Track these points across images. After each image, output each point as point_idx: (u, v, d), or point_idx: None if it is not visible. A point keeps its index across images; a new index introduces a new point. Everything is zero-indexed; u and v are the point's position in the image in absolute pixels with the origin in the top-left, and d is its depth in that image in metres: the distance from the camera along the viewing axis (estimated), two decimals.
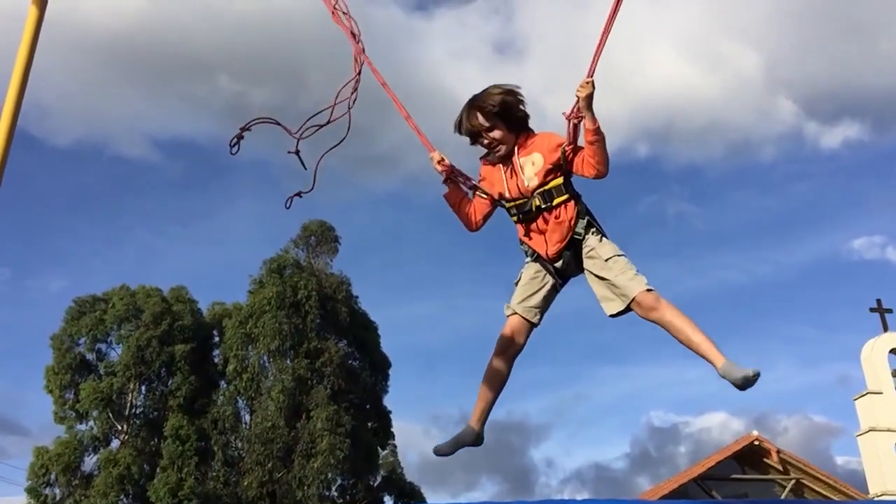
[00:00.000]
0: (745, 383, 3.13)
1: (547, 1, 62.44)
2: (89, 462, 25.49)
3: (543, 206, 3.56)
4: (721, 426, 50.00)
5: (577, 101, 3.39)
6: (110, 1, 45.06)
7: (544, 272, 3.64)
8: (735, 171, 57.57)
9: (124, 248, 47.51)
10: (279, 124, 3.75)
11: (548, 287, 3.64)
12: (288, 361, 25.78)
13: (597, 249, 3.54)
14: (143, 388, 26.73)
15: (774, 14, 55.28)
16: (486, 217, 3.77)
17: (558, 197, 3.55)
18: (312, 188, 3.81)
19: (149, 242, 46.72)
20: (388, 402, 28.32)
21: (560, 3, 62.60)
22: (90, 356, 26.88)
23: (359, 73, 3.75)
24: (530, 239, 3.64)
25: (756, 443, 19.32)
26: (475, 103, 3.59)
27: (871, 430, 17.92)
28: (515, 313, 3.65)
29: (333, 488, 25.27)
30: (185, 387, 25.74)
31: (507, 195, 3.64)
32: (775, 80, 55.50)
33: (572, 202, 3.57)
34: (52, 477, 24.90)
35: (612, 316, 3.50)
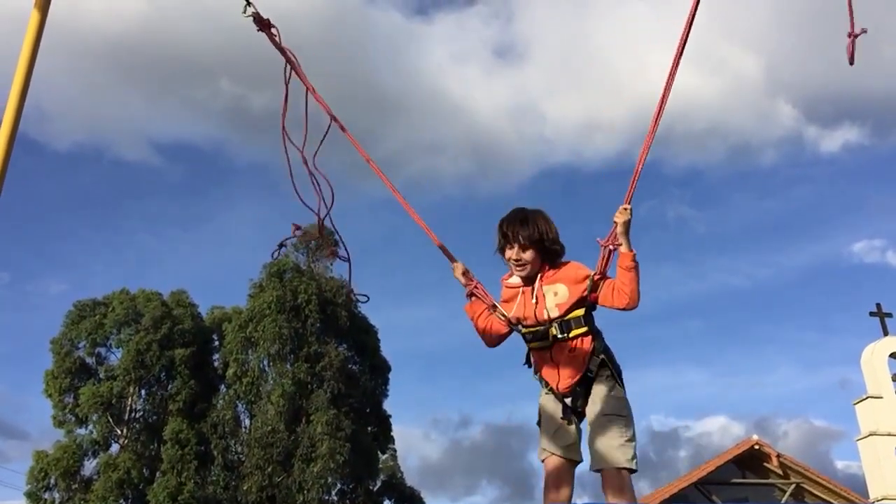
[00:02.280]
0: None
1: (547, 4, 62.54)
2: (89, 466, 25.50)
3: (560, 337, 3.40)
4: (721, 430, 49.91)
5: (615, 228, 3.28)
6: (111, 4, 45.15)
7: (562, 404, 3.44)
8: (735, 175, 57.66)
9: (124, 251, 47.54)
10: (319, 233, 3.92)
11: (573, 418, 3.44)
12: (288, 365, 25.75)
13: (602, 398, 3.36)
14: (143, 392, 26.71)
15: (775, 17, 55.39)
16: (503, 338, 3.63)
17: (576, 329, 3.40)
18: (350, 263, 4.14)
19: (149, 246, 46.73)
20: (388, 406, 28.33)
21: (560, 6, 62.73)
22: (90, 360, 26.86)
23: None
24: (542, 369, 3.49)
25: (756, 447, 19.27)
26: (521, 221, 3.50)
27: (871, 434, 17.86)
28: (553, 454, 3.41)
29: (333, 492, 25.20)
30: (184, 391, 25.72)
31: (524, 321, 3.50)
32: (776, 84, 55.62)
33: (590, 336, 3.41)
34: (52, 481, 24.86)
35: (592, 469, 3.34)
